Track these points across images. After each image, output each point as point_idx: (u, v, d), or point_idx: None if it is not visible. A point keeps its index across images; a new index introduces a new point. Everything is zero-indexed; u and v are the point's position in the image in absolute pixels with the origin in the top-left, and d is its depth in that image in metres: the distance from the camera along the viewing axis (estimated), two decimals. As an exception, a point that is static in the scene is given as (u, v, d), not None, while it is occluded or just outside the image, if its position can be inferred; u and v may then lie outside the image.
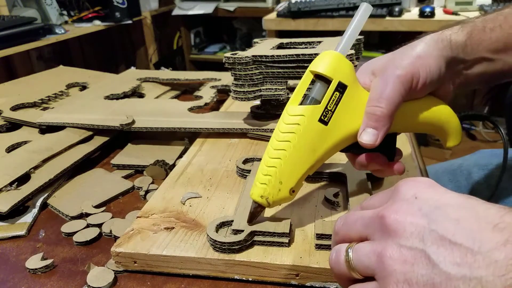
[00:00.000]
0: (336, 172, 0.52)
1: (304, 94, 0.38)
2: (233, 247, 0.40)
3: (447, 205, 0.25)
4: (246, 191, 0.49)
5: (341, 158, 0.52)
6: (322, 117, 0.37)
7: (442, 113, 0.41)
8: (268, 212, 0.47)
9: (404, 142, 0.61)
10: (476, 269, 0.22)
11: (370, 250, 0.27)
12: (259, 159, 0.57)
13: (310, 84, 0.38)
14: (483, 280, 0.21)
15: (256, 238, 0.41)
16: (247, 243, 0.41)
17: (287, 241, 0.41)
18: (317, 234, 0.41)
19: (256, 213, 0.41)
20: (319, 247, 0.40)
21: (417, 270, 0.24)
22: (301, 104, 0.38)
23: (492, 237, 0.22)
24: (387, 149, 0.41)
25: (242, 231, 0.41)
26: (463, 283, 0.22)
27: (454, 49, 0.40)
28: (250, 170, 0.54)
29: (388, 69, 0.37)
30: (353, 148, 0.40)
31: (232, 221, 0.43)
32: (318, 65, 0.37)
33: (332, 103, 0.37)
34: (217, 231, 0.42)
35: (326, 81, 0.37)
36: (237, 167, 0.56)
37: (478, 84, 0.44)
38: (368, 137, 0.37)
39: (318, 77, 0.38)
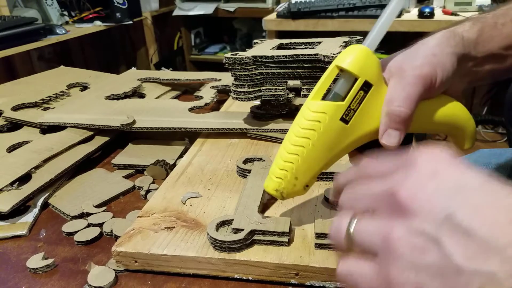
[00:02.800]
0: (336, 172, 0.52)
1: (328, 89, 0.37)
2: (233, 246, 0.40)
3: (467, 188, 0.23)
4: (246, 191, 0.49)
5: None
6: (344, 116, 0.36)
7: (457, 112, 0.40)
8: (268, 212, 0.47)
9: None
10: (490, 264, 0.20)
11: (376, 229, 0.24)
12: (260, 159, 0.58)
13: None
14: (495, 277, 0.20)
15: (256, 237, 0.42)
16: (247, 242, 0.41)
17: (286, 240, 0.41)
18: (316, 234, 0.41)
19: (269, 204, 0.40)
20: (318, 246, 0.41)
21: (427, 259, 0.22)
22: (323, 98, 0.36)
23: (510, 231, 0.21)
24: (405, 146, 0.39)
25: (242, 230, 0.41)
26: (474, 278, 0.20)
27: (466, 46, 0.39)
28: (250, 170, 0.54)
29: (406, 68, 0.36)
30: (367, 147, 0.39)
31: (232, 220, 0.43)
32: (345, 60, 0.36)
33: (355, 102, 0.36)
34: (217, 230, 0.42)
35: (351, 77, 0.36)
36: (238, 166, 0.56)
37: (487, 80, 0.43)
38: (392, 139, 0.36)
39: (344, 72, 0.36)
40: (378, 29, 0.37)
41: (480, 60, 0.40)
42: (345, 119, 0.36)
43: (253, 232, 0.42)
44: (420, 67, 0.36)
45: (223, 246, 0.40)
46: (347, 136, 0.36)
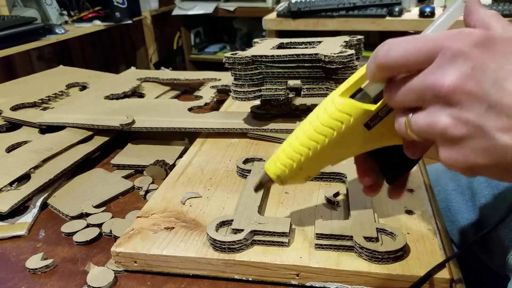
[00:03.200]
0: (336, 172, 0.52)
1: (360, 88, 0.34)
2: (233, 247, 0.40)
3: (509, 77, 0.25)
4: (246, 191, 0.49)
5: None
6: (369, 122, 0.33)
7: None
8: (268, 212, 0.47)
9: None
10: None
11: (426, 123, 0.27)
12: (260, 159, 0.57)
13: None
14: None
15: (256, 237, 0.41)
16: (247, 243, 0.41)
17: (286, 240, 0.41)
18: (317, 234, 0.41)
19: (265, 184, 0.40)
20: (319, 246, 0.40)
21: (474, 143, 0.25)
22: (351, 97, 0.33)
23: None
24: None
25: (242, 230, 0.41)
26: None
27: None
28: (250, 170, 0.54)
29: None
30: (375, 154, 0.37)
31: (232, 220, 0.43)
32: None
33: (384, 110, 0.33)
34: (217, 230, 0.42)
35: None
36: (237, 167, 0.56)
37: None
38: (416, 152, 0.34)
39: None
40: (440, 22, 0.33)
41: None
42: (369, 125, 0.33)
43: (253, 233, 0.41)
44: None
45: (223, 246, 0.40)
46: (366, 141, 0.34)
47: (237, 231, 0.42)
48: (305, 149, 0.35)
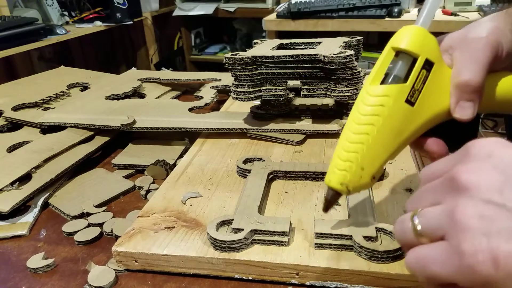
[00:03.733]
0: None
1: (386, 73, 0.35)
2: (233, 246, 0.40)
3: None
4: (246, 191, 0.49)
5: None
6: (409, 98, 0.33)
7: None
8: (268, 212, 0.47)
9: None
10: None
11: (440, 211, 0.25)
12: (260, 159, 0.58)
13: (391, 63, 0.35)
14: None
15: (256, 237, 0.42)
16: (247, 242, 0.41)
17: (286, 240, 0.41)
18: (316, 233, 0.41)
19: (333, 201, 0.36)
20: (318, 246, 0.41)
21: (498, 224, 0.22)
22: (382, 83, 0.34)
23: None
24: (467, 131, 0.38)
25: (242, 230, 0.41)
26: None
27: None
28: (250, 170, 0.54)
29: (471, 38, 0.35)
30: (431, 133, 0.37)
31: (232, 220, 0.43)
32: (401, 41, 0.34)
33: (419, 82, 0.34)
34: (217, 230, 0.42)
35: (410, 57, 0.34)
36: (238, 166, 0.56)
37: None
38: (466, 111, 0.34)
39: (400, 53, 0.34)
40: (428, 8, 0.35)
41: None
42: (410, 101, 0.33)
43: (253, 232, 0.42)
44: (487, 36, 0.35)
45: (223, 246, 0.40)
46: (415, 118, 0.34)
47: (237, 230, 0.42)
48: (358, 146, 0.34)
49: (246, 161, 0.57)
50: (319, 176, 0.53)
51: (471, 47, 0.35)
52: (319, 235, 0.41)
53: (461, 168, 0.25)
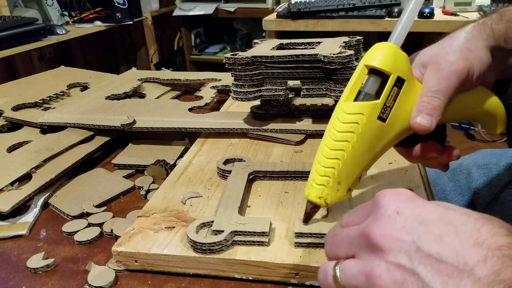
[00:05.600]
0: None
1: (359, 91, 0.36)
2: (213, 248, 0.40)
3: (428, 221, 0.25)
4: (226, 192, 0.49)
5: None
6: (381, 114, 0.35)
7: (491, 102, 0.40)
8: (267, 212, 0.47)
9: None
10: (464, 286, 0.22)
11: (357, 270, 0.26)
12: (240, 160, 0.58)
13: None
14: None
15: (237, 238, 0.42)
16: (227, 243, 0.41)
17: (266, 240, 0.41)
18: (296, 233, 0.41)
19: (312, 213, 0.39)
20: (298, 245, 0.41)
21: None
22: (355, 100, 0.36)
23: (474, 253, 0.22)
24: (439, 135, 0.40)
25: (223, 231, 0.41)
26: None
27: (497, 39, 0.39)
28: (230, 171, 0.54)
29: (441, 62, 0.37)
30: (407, 141, 0.39)
31: (213, 222, 0.43)
32: (374, 59, 0.35)
33: (390, 99, 0.35)
34: (197, 232, 0.42)
35: (381, 75, 0.35)
36: (218, 168, 0.56)
37: None
38: (424, 121, 0.36)
39: (372, 71, 0.36)
40: (402, 26, 0.37)
41: (510, 52, 0.41)
42: (382, 117, 0.35)
43: (233, 233, 0.42)
44: (457, 62, 0.36)
45: (203, 248, 0.40)
46: (386, 134, 0.36)
47: (217, 232, 0.42)
48: (334, 161, 0.36)
49: (226, 162, 0.57)
50: (303, 176, 0.53)
51: (439, 73, 0.36)
52: (299, 235, 0.41)
53: (373, 224, 0.27)
